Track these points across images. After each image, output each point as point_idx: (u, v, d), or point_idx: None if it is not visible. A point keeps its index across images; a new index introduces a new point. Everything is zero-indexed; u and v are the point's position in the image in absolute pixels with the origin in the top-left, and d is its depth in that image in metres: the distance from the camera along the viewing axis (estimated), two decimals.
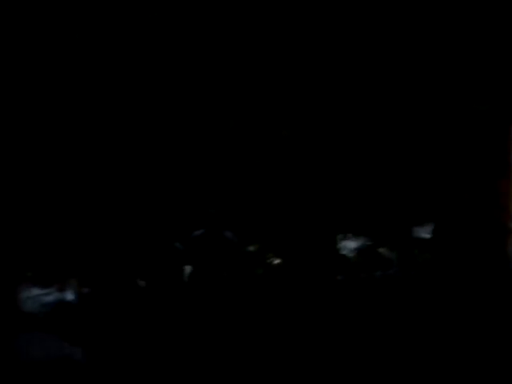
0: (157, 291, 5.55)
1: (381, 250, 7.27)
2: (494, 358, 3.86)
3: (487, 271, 5.06)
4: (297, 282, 6.26)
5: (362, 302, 5.45)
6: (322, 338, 4.84)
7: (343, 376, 4.01)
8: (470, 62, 5.86)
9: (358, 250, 7.36)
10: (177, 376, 4.04)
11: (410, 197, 6.86)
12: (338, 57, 6.40)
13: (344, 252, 7.25)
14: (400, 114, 6.49)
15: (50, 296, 5.83)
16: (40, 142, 6.07)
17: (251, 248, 6.86)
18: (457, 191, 5.17)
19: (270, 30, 6.38)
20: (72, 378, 3.52)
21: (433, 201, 6.17)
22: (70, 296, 5.80)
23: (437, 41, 6.23)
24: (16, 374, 3.38)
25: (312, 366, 4.21)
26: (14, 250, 5.40)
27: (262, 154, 6.87)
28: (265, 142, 6.64)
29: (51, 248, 6.06)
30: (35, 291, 5.84)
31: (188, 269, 5.58)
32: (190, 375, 4.04)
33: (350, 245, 7.34)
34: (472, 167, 5.24)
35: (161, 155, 6.44)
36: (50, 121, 6.18)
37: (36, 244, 5.96)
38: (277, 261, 6.84)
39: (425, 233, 6.84)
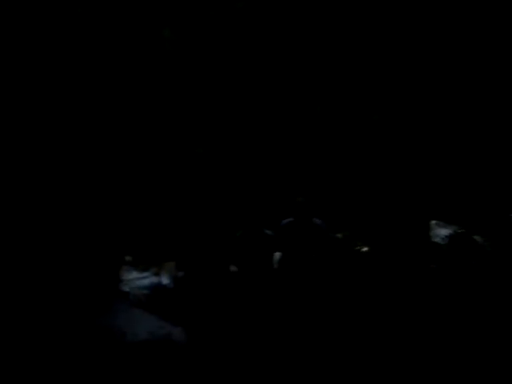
0: (247, 276, 5.66)
1: (476, 237, 6.98)
2: None
3: None
4: (387, 270, 6.16)
5: (457, 293, 5.27)
6: (416, 327, 4.74)
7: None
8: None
9: (451, 238, 7.11)
10: (272, 358, 4.11)
11: (508, 182, 6.56)
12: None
13: (436, 239, 7.04)
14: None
15: (147, 279, 6.10)
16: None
17: (339, 235, 6.83)
18: None
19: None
20: (174, 359, 3.67)
21: None
22: (165, 279, 6.04)
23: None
24: (121, 353, 3.55)
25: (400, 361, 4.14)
26: (116, 235, 5.69)
27: (347, 141, 6.82)
28: (358, 129, 6.59)
29: (149, 233, 6.34)
30: (134, 274, 6.13)
31: (278, 255, 5.65)
32: (286, 358, 4.10)
33: (442, 232, 7.12)
34: None
35: (254, 141, 6.55)
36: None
37: (135, 229, 6.25)
38: (365, 248, 6.76)
39: None
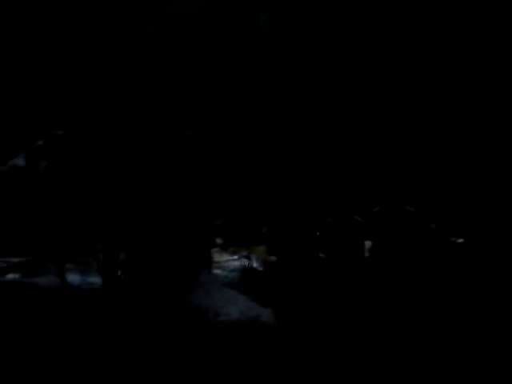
0: (337, 263, 5.66)
1: None
2: None
3: None
4: (484, 263, 5.93)
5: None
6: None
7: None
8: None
9: None
10: (356, 347, 4.10)
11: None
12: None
13: None
14: None
15: (238, 262, 6.27)
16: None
17: (433, 225, 6.62)
18: None
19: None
20: (262, 340, 3.78)
21: None
22: (255, 263, 6.17)
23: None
24: (215, 331, 3.72)
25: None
26: (207, 220, 5.89)
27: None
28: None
29: (240, 217, 6.49)
30: (224, 257, 6.32)
31: (369, 243, 5.60)
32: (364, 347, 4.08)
33: None
34: None
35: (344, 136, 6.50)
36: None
37: (225, 214, 6.42)
38: (460, 240, 6.52)
39: None
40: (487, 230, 6.20)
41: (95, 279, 4.96)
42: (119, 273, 4.88)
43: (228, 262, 6.28)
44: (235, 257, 6.48)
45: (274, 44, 6.36)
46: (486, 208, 6.25)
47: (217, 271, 5.87)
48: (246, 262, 6.29)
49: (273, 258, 5.91)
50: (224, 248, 6.53)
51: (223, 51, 6.19)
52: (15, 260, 5.44)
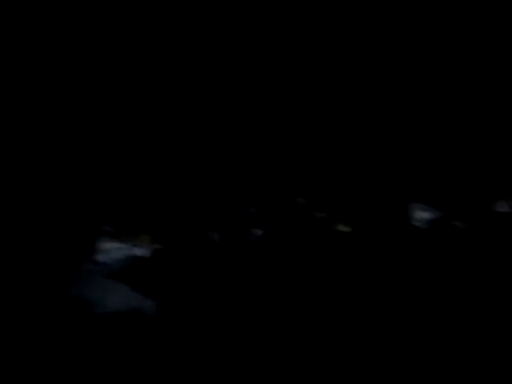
0: (228, 251, 5.63)
1: (456, 222, 7.01)
2: None
3: None
4: (366, 252, 6.16)
5: (436, 275, 5.30)
6: (390, 308, 4.75)
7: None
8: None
9: (432, 222, 7.13)
10: (245, 331, 4.09)
11: (492, 169, 6.55)
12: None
13: (418, 223, 7.05)
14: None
15: (124, 250, 6.04)
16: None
17: (321, 215, 6.79)
18: None
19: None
20: (143, 331, 3.64)
21: None
22: (142, 251, 5.98)
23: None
24: (90, 323, 3.52)
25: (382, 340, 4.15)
26: (92, 203, 5.61)
27: (336, 122, 6.77)
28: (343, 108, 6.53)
29: (129, 204, 6.26)
30: (110, 245, 6.06)
31: (258, 232, 5.62)
32: (260, 336, 4.08)
33: (423, 216, 7.13)
34: None
35: (242, 121, 6.48)
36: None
37: (116, 200, 6.16)
38: (346, 229, 6.74)
39: (506, 207, 6.52)
40: (369, 220, 6.45)
41: None
42: None
43: (113, 250, 6.02)
44: (123, 245, 6.24)
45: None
46: (369, 198, 6.49)
47: (100, 260, 5.62)
48: (133, 250, 6.08)
49: (159, 246, 5.77)
50: (114, 236, 6.27)
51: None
52: None
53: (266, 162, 6.57)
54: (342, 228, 7.05)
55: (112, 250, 5.96)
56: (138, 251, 5.96)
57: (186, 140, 6.29)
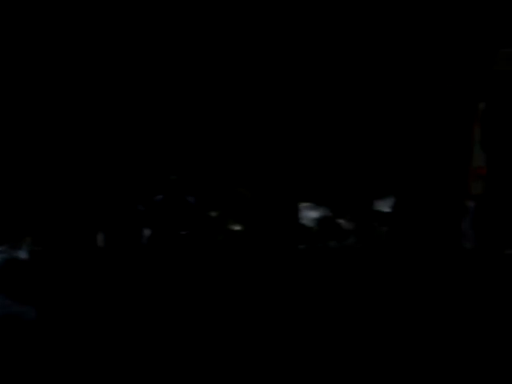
0: (114, 252, 5.47)
1: (340, 220, 7.32)
2: (445, 330, 3.94)
3: (441, 247, 5.13)
4: (257, 250, 6.25)
5: (320, 272, 5.49)
6: (278, 306, 4.85)
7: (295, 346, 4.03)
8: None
9: (318, 220, 7.40)
10: (128, 336, 4.00)
11: (372, 169, 6.91)
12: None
13: (304, 221, 7.27)
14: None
15: (3, 254, 5.68)
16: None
17: (213, 214, 6.81)
18: (416, 168, 5.18)
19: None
20: (21, 336, 3.45)
21: (395, 175, 6.23)
22: (22, 254, 5.65)
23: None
24: None
25: (266, 333, 4.22)
26: None
27: (222, 118, 6.82)
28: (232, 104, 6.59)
29: (7, 206, 5.90)
30: None
31: (147, 232, 5.51)
32: (142, 335, 4.00)
33: (310, 214, 7.37)
34: (432, 146, 5.25)
35: (125, 118, 6.35)
36: None
37: None
38: (237, 227, 6.81)
39: (385, 206, 6.91)
40: (260, 219, 6.56)
41: None
42: None
43: None
44: (1, 248, 5.87)
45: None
46: (260, 198, 6.60)
47: None
48: (12, 252, 5.73)
49: (39, 249, 5.48)
50: None
51: None
52: None
53: (155, 159, 6.48)
54: (234, 227, 7.12)
55: None
56: (18, 254, 5.62)
57: (67, 142, 6.06)
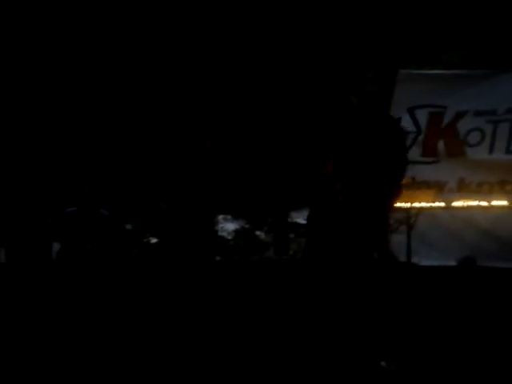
0: (22, 266, 5.23)
1: (258, 232, 7.42)
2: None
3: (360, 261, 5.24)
4: (173, 262, 6.19)
5: (236, 284, 5.51)
6: (195, 317, 4.82)
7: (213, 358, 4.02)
8: None
9: (236, 232, 7.46)
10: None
11: (287, 182, 7.05)
12: None
13: (223, 234, 7.29)
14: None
15: None
16: None
17: (128, 226, 6.69)
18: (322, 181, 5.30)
19: None
20: None
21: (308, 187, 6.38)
22: None
23: None
24: None
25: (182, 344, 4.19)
26: None
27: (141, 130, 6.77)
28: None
29: None
30: None
31: (57, 246, 5.31)
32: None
33: (228, 227, 7.40)
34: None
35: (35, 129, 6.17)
36: None
37: None
38: (154, 240, 6.73)
39: (301, 218, 7.07)
40: (177, 231, 6.51)
41: None
42: None
43: None
44: None
45: None
46: (176, 211, 6.56)
47: None
48: None
49: None
50: None
51: None
52: None
53: (67, 169, 6.29)
54: (150, 240, 7.03)
55: None
56: None
57: None
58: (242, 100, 6.93)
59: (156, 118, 6.74)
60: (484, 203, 4.99)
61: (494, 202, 4.96)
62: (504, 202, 4.91)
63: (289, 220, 7.37)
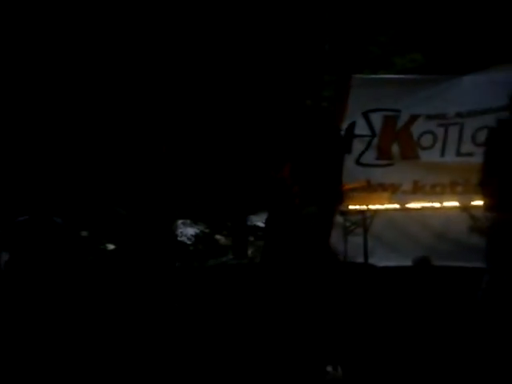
0: None
1: (218, 236, 7.40)
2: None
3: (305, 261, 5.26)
4: (131, 269, 6.10)
5: (196, 289, 5.48)
6: (153, 324, 4.77)
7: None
8: None
9: (196, 237, 7.42)
10: None
11: (246, 186, 7.07)
12: None
13: (182, 238, 7.24)
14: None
15: None
16: None
17: (84, 233, 6.57)
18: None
19: None
20: None
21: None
22: None
23: None
24: None
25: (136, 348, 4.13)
26: None
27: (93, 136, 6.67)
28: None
29: None
30: None
31: (5, 255, 5.15)
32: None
33: (188, 231, 7.35)
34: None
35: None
36: None
37: None
38: (111, 247, 6.62)
39: (260, 221, 7.09)
40: (135, 237, 6.43)
41: None
42: None
43: None
44: None
45: None
46: (133, 216, 6.48)
47: None
48: None
49: None
50: None
51: None
52: None
53: (18, 176, 6.13)
54: (107, 246, 6.91)
55: None
56: None
57: None
58: (200, 104, 6.91)
59: (111, 122, 6.65)
60: (437, 204, 5.11)
61: (446, 203, 5.08)
62: (455, 203, 5.04)
63: (248, 223, 7.38)
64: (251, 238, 7.22)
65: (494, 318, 2.93)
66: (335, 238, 5.57)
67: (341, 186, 5.18)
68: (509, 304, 2.93)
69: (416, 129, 5.70)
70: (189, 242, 7.34)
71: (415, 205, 5.25)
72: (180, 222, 7.28)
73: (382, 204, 5.30)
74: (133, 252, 6.45)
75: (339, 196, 4.99)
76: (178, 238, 7.28)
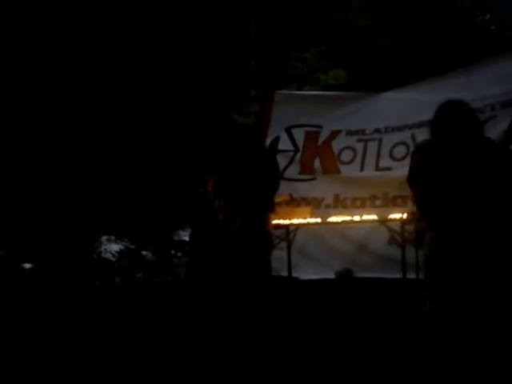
0: None
1: (143, 252, 7.25)
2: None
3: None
4: (49, 288, 5.87)
5: (120, 307, 5.33)
6: (72, 345, 4.61)
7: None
8: None
9: (121, 253, 7.24)
10: None
11: (172, 201, 6.99)
12: None
13: (106, 255, 7.04)
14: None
15: None
16: None
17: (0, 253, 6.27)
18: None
19: None
20: None
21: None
22: None
23: None
24: None
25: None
26: None
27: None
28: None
29: None
30: None
31: None
32: None
33: (112, 248, 7.16)
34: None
35: None
36: None
37: None
38: (28, 265, 6.35)
39: (185, 236, 7.00)
40: (54, 255, 6.23)
41: None
42: None
43: None
44: None
45: None
46: (53, 234, 6.28)
47: None
48: None
49: None
50: None
51: None
52: None
53: None
54: (24, 265, 6.62)
55: None
56: None
57: None
58: (121, 119, 6.80)
59: (26, 139, 6.45)
60: (357, 218, 5.22)
61: (365, 217, 5.21)
62: (374, 216, 5.17)
63: (176, 238, 7.28)
64: (179, 254, 7.12)
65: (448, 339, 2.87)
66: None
67: (269, 199, 5.20)
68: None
69: (336, 144, 5.83)
70: (113, 259, 7.14)
71: (336, 218, 5.35)
72: (104, 238, 7.09)
73: (305, 218, 5.37)
74: (50, 271, 6.22)
75: (267, 209, 5.01)
76: (102, 255, 7.08)
